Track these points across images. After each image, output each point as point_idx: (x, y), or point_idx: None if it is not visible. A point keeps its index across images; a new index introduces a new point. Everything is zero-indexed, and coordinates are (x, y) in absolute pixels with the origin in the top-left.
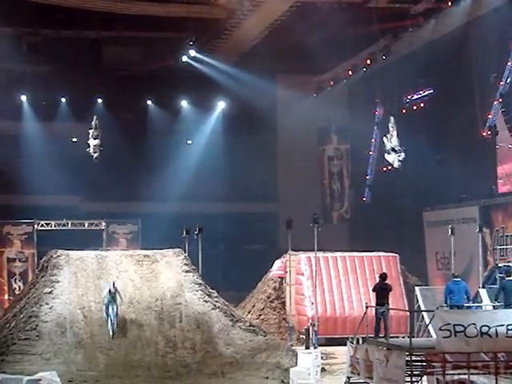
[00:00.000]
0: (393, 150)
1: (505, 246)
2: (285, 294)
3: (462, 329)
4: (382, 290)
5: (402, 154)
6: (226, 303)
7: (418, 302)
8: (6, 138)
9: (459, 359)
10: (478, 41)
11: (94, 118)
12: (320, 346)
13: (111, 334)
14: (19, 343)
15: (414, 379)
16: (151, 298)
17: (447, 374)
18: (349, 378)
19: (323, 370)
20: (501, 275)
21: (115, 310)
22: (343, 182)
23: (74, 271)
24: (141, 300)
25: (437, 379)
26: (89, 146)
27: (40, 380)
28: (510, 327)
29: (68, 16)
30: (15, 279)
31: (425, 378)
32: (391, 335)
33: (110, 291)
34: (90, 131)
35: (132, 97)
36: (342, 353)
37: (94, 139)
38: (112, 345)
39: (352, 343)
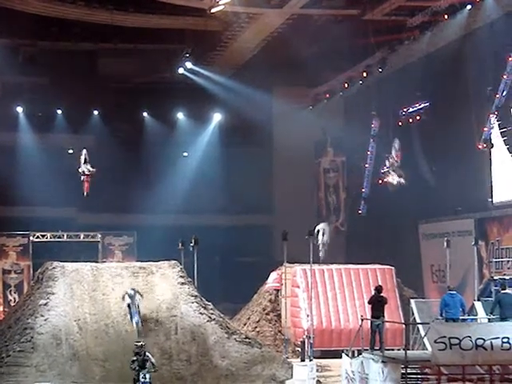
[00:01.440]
0: (394, 171)
1: (500, 259)
2: (280, 306)
3: (457, 341)
4: (377, 303)
5: (402, 179)
6: (222, 315)
7: (413, 314)
8: (1, 149)
9: (454, 372)
10: (473, 54)
11: (84, 152)
12: (315, 358)
13: (137, 333)
14: (14, 355)
15: None
16: (147, 309)
17: None
18: None
19: (318, 382)
20: (496, 288)
21: (136, 309)
22: (339, 195)
23: (69, 283)
24: None
25: None
26: (81, 178)
27: None
28: (505, 340)
29: (65, 28)
30: (10, 291)
31: None
32: (386, 348)
33: (128, 294)
34: (81, 164)
35: (128, 108)
36: (338, 365)
37: (84, 174)
38: (107, 357)
39: (347, 356)
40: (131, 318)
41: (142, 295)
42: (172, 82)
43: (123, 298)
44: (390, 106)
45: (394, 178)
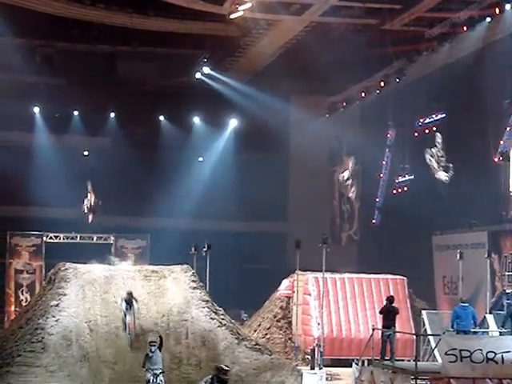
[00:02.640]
0: (441, 167)
1: None
2: (291, 313)
3: (467, 354)
4: (388, 313)
5: (451, 170)
6: (233, 321)
7: (424, 325)
8: (17, 149)
9: None
10: (492, 66)
11: (89, 185)
12: (325, 366)
13: (129, 342)
14: (24, 355)
15: None
16: (158, 313)
17: None
18: None
19: None
20: (508, 301)
21: (132, 318)
22: (353, 204)
23: (81, 284)
24: (147, 315)
25: None
26: (85, 210)
27: None
28: None
29: (83, 29)
30: (22, 291)
31: None
32: (397, 358)
33: (125, 300)
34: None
35: (145, 112)
36: (348, 374)
37: (90, 209)
38: (117, 359)
39: (357, 365)
40: (124, 327)
41: (137, 301)
42: (189, 86)
43: (120, 304)
44: (406, 116)
45: (441, 175)
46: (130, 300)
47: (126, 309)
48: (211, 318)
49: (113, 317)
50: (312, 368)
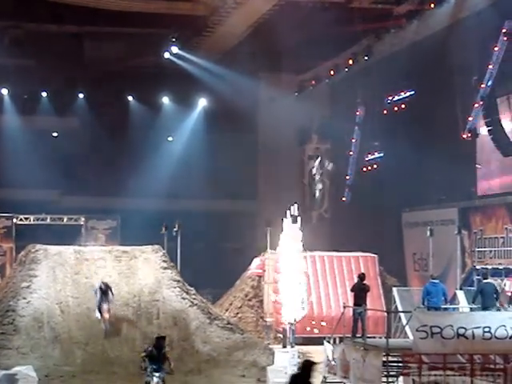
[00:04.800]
0: None
1: (483, 249)
2: (263, 292)
3: (438, 330)
4: (359, 291)
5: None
6: (204, 301)
7: (395, 302)
8: None
9: (435, 360)
10: (459, 43)
11: (100, 284)
12: (297, 345)
13: (104, 332)
14: None
15: (390, 380)
16: (129, 294)
17: (423, 375)
18: (325, 377)
19: None
20: (478, 277)
21: (107, 307)
22: (323, 182)
23: (52, 266)
24: (118, 296)
25: (413, 380)
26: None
27: (16, 374)
28: (486, 330)
29: (50, 10)
30: None
31: (401, 378)
32: (368, 335)
33: (101, 288)
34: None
35: (113, 92)
36: (319, 352)
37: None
38: (89, 340)
39: (329, 343)
40: (100, 315)
41: (112, 292)
42: (157, 66)
43: (95, 292)
44: (375, 94)
45: None
46: (106, 290)
47: (102, 299)
48: (182, 298)
49: (84, 298)
50: (284, 346)
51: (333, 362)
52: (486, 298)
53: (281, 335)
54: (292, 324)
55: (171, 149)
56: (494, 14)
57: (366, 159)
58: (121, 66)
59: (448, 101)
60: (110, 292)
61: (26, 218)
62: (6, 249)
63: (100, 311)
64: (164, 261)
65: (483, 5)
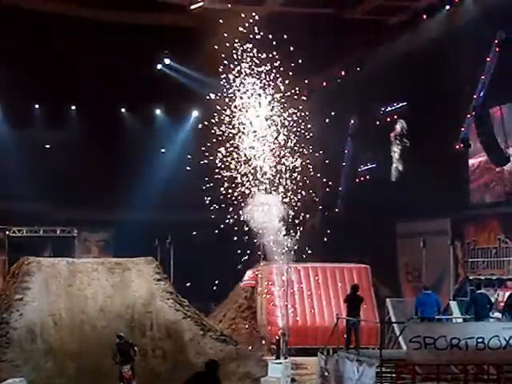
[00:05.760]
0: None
1: (476, 259)
2: (256, 303)
3: (432, 341)
4: (353, 302)
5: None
6: (197, 312)
7: (388, 313)
8: None
9: (429, 371)
10: (452, 54)
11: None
12: (290, 356)
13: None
14: None
15: None
16: (122, 306)
17: None
18: None
19: (293, 380)
20: (471, 288)
21: (127, 369)
22: (316, 193)
23: (45, 278)
24: (112, 308)
25: None
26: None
27: None
28: (479, 340)
29: (40, 20)
30: None
31: None
32: (362, 346)
33: (120, 350)
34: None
35: (106, 104)
36: (313, 363)
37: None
38: (82, 352)
39: (323, 354)
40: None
41: (134, 349)
42: (150, 78)
43: (115, 352)
44: (368, 105)
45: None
46: (126, 350)
47: (122, 361)
48: (176, 310)
49: (77, 310)
50: (277, 358)
51: (326, 374)
52: (478, 309)
53: (274, 346)
54: (285, 335)
55: (164, 160)
56: (486, 24)
57: (359, 170)
58: (113, 77)
59: (441, 111)
60: (131, 349)
61: (19, 230)
62: None
63: (121, 373)
64: (157, 272)
65: (475, 15)
